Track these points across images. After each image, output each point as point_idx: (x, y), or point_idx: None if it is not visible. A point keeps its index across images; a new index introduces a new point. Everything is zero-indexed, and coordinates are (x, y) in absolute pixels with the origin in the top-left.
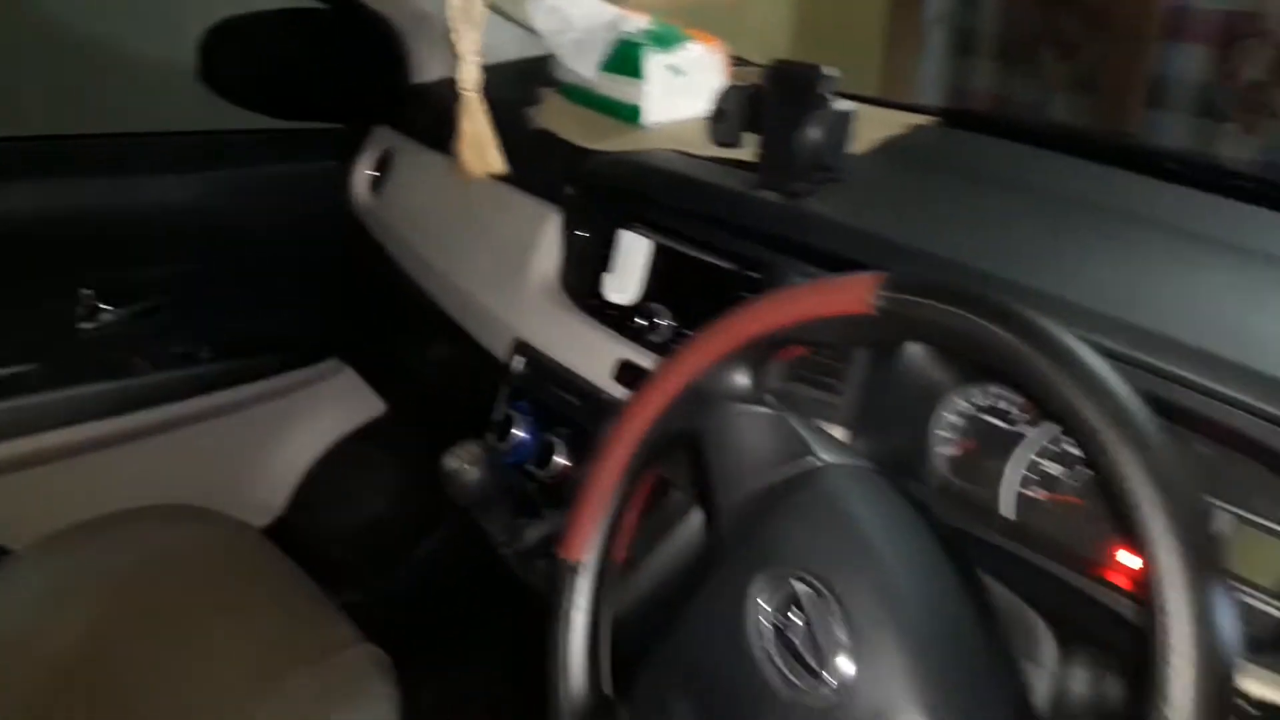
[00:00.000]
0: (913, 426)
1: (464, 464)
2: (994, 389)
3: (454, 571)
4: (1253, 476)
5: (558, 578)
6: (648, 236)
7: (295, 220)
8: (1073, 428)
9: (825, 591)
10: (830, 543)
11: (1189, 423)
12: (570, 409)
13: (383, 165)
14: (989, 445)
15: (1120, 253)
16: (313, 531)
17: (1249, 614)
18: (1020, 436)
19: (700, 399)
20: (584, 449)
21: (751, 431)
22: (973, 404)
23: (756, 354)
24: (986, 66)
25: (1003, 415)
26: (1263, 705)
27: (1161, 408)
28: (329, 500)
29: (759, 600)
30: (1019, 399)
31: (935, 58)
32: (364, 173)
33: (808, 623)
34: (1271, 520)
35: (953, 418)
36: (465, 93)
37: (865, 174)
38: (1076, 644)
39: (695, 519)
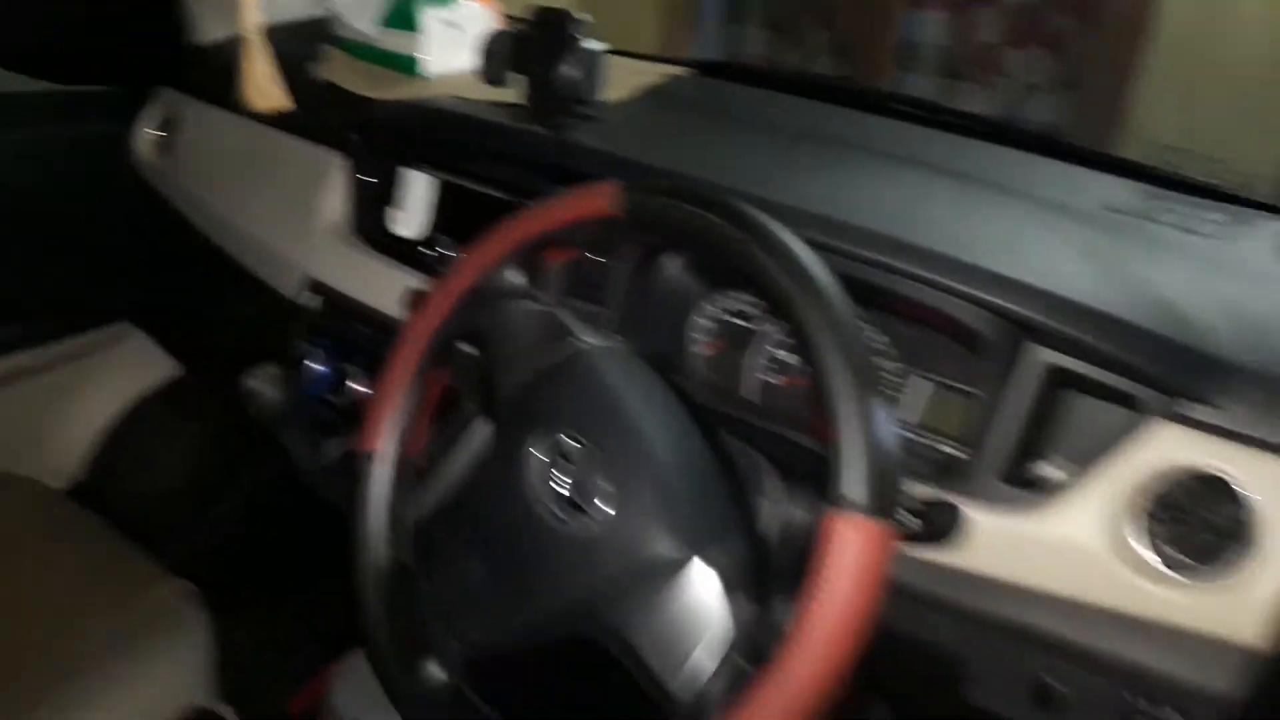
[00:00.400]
0: (670, 331)
1: (263, 384)
2: (736, 294)
3: (267, 515)
4: (941, 346)
5: (357, 470)
6: (430, 174)
7: (78, 184)
8: (771, 295)
9: (589, 446)
10: (593, 407)
11: (886, 301)
12: (365, 340)
13: (167, 126)
14: (734, 342)
15: (838, 172)
16: (116, 491)
17: (937, 454)
18: (758, 332)
19: (480, 299)
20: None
21: (525, 323)
22: (720, 309)
23: (525, 257)
24: (757, 34)
25: (744, 316)
26: (928, 504)
27: (862, 288)
28: (130, 461)
29: (534, 454)
30: (758, 301)
31: (710, 26)
32: (147, 134)
33: (575, 472)
34: (953, 380)
35: (704, 322)
36: (247, 35)
37: (625, 113)
38: (796, 482)
39: (485, 428)
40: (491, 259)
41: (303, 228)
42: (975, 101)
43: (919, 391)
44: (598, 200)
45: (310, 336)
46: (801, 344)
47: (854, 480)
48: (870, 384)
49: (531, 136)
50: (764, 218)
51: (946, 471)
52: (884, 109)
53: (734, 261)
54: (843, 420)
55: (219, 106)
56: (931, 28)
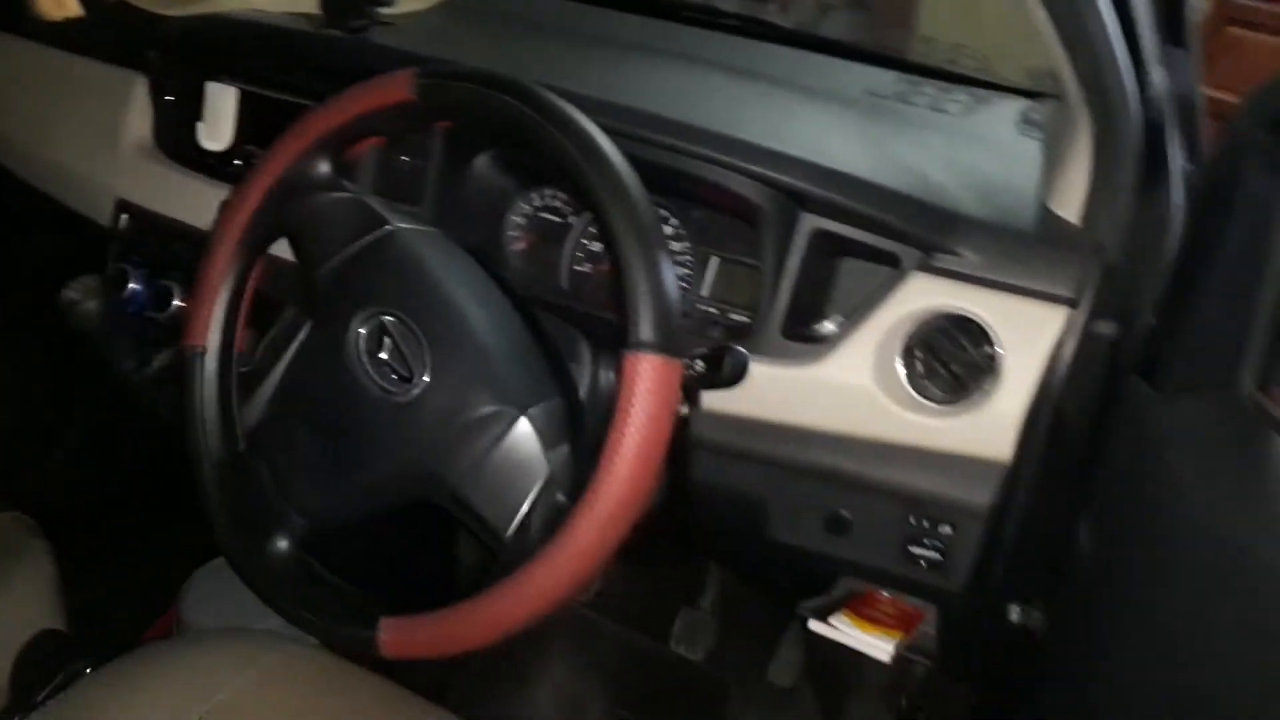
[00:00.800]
0: (486, 228)
1: (81, 295)
2: (548, 191)
3: (106, 440)
4: (726, 227)
5: (184, 366)
6: (233, 86)
7: None
8: (559, 165)
9: (408, 320)
10: (408, 283)
11: (674, 182)
12: (183, 255)
13: None
14: (547, 237)
15: (629, 69)
16: None
17: (728, 321)
18: (569, 226)
19: (289, 191)
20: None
21: (334, 212)
22: (532, 206)
23: (330, 147)
24: None
25: (556, 212)
26: (715, 350)
27: (652, 170)
28: None
29: (355, 331)
30: (568, 197)
31: None
32: None
33: (395, 344)
34: (738, 255)
35: (518, 219)
36: None
37: (421, 21)
38: (605, 351)
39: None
40: (296, 151)
41: (109, 151)
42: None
43: (709, 268)
44: (394, 87)
45: (127, 257)
46: (592, 208)
47: (645, 325)
48: (655, 241)
49: (329, 41)
50: (553, 96)
51: (736, 335)
52: (673, 15)
53: (525, 137)
54: (632, 274)
55: (8, 33)
56: None
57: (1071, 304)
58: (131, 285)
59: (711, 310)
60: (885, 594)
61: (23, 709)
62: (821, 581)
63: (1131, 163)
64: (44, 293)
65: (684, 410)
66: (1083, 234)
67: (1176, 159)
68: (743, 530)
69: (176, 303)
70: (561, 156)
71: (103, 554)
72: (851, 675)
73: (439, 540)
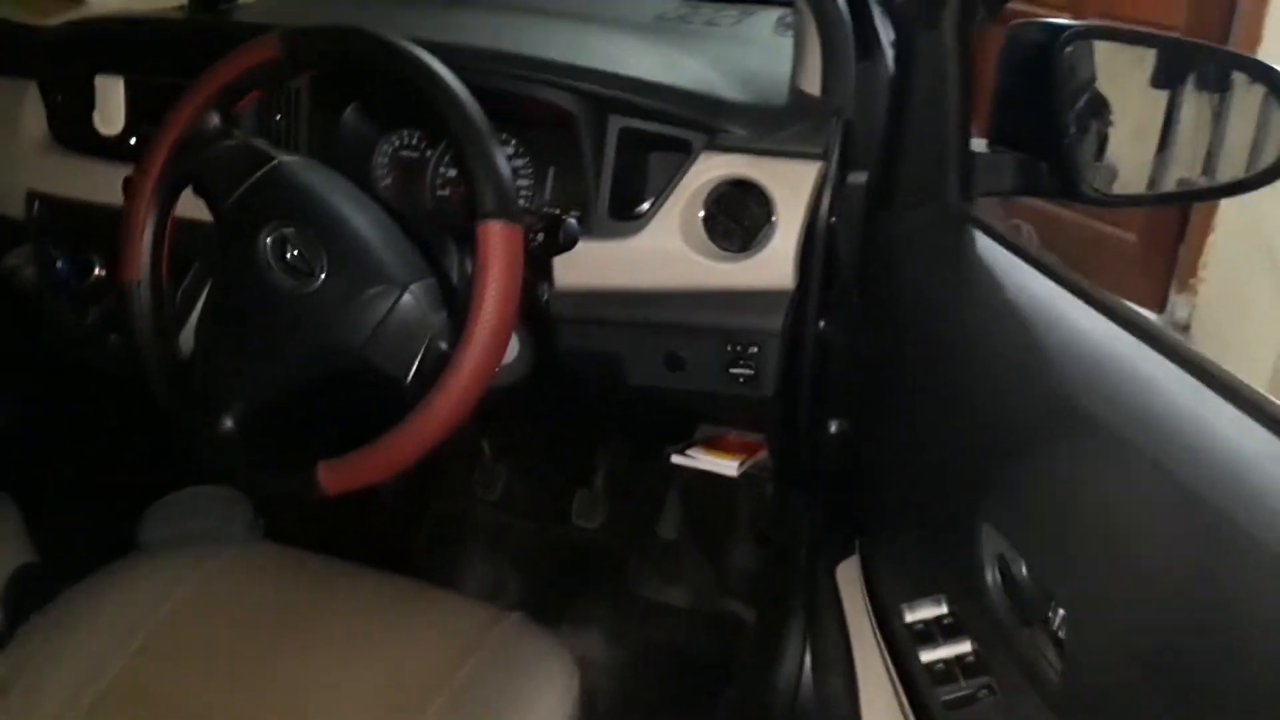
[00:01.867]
0: (356, 169)
1: (21, 261)
2: (405, 132)
3: (53, 406)
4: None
5: (124, 297)
6: (121, 75)
7: None
8: (412, 94)
9: (304, 228)
10: (299, 199)
11: (506, 103)
12: (97, 231)
13: None
14: (409, 171)
15: (457, 18)
16: None
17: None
18: (427, 160)
19: (188, 145)
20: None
21: (230, 156)
22: (393, 146)
23: (218, 104)
24: None
25: (413, 148)
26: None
27: (488, 96)
28: None
29: (265, 243)
30: (422, 135)
31: None
32: None
33: (296, 250)
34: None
35: (382, 159)
36: None
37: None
38: (465, 244)
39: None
40: (190, 109)
41: (11, 150)
42: None
43: (548, 177)
44: (264, 46)
45: (47, 240)
46: (434, 116)
47: (488, 198)
48: (487, 134)
49: (199, 23)
50: (393, 36)
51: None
52: None
53: (373, 71)
54: (474, 160)
55: None
56: None
57: (822, 158)
58: (57, 263)
59: (555, 212)
60: (733, 433)
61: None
62: (682, 431)
63: (848, 41)
64: None
65: (544, 294)
66: (824, 103)
67: (885, 32)
68: (603, 383)
69: (97, 271)
70: (404, 82)
71: (63, 501)
72: (722, 516)
73: (354, 407)
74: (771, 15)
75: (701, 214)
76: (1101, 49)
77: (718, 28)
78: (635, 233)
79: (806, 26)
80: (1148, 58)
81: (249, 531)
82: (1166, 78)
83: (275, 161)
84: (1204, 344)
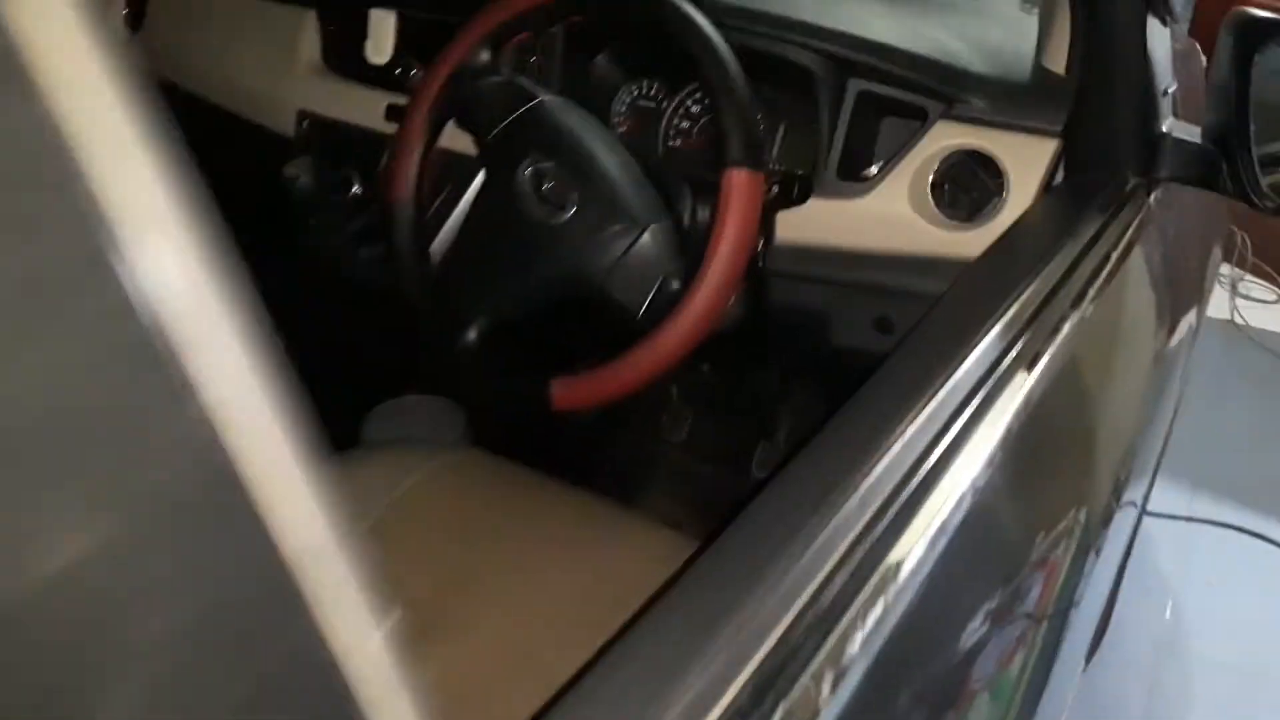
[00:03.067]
0: (599, 114)
1: (299, 171)
2: (645, 81)
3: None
4: (792, 100)
5: (390, 212)
6: (394, 9)
7: None
8: (674, 42)
9: (559, 164)
10: (556, 137)
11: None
12: (358, 151)
13: (134, 3)
14: (644, 119)
15: None
16: None
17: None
18: (662, 111)
19: (461, 77)
20: (373, 179)
21: (497, 91)
22: (632, 95)
23: (490, 42)
24: None
25: (651, 98)
26: (786, 176)
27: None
28: None
29: (519, 174)
30: (660, 86)
31: None
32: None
33: (552, 183)
34: (801, 120)
35: (620, 107)
36: None
37: None
38: (702, 194)
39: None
40: (465, 46)
41: (287, 72)
42: None
43: (778, 134)
44: None
45: (312, 154)
46: (694, 65)
47: (737, 146)
48: (742, 85)
49: None
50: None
51: (809, 181)
52: None
53: (641, 19)
54: (728, 108)
55: None
56: None
57: (1060, 135)
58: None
59: (781, 168)
60: None
61: None
62: None
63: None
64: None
65: (761, 246)
66: (1067, 81)
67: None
68: (810, 339)
69: (355, 190)
70: (667, 32)
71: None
72: None
73: (589, 334)
74: None
75: (931, 181)
76: None
77: (963, 0)
78: (863, 194)
79: (1056, 3)
80: None
81: (460, 438)
82: None
83: (539, 100)
84: None
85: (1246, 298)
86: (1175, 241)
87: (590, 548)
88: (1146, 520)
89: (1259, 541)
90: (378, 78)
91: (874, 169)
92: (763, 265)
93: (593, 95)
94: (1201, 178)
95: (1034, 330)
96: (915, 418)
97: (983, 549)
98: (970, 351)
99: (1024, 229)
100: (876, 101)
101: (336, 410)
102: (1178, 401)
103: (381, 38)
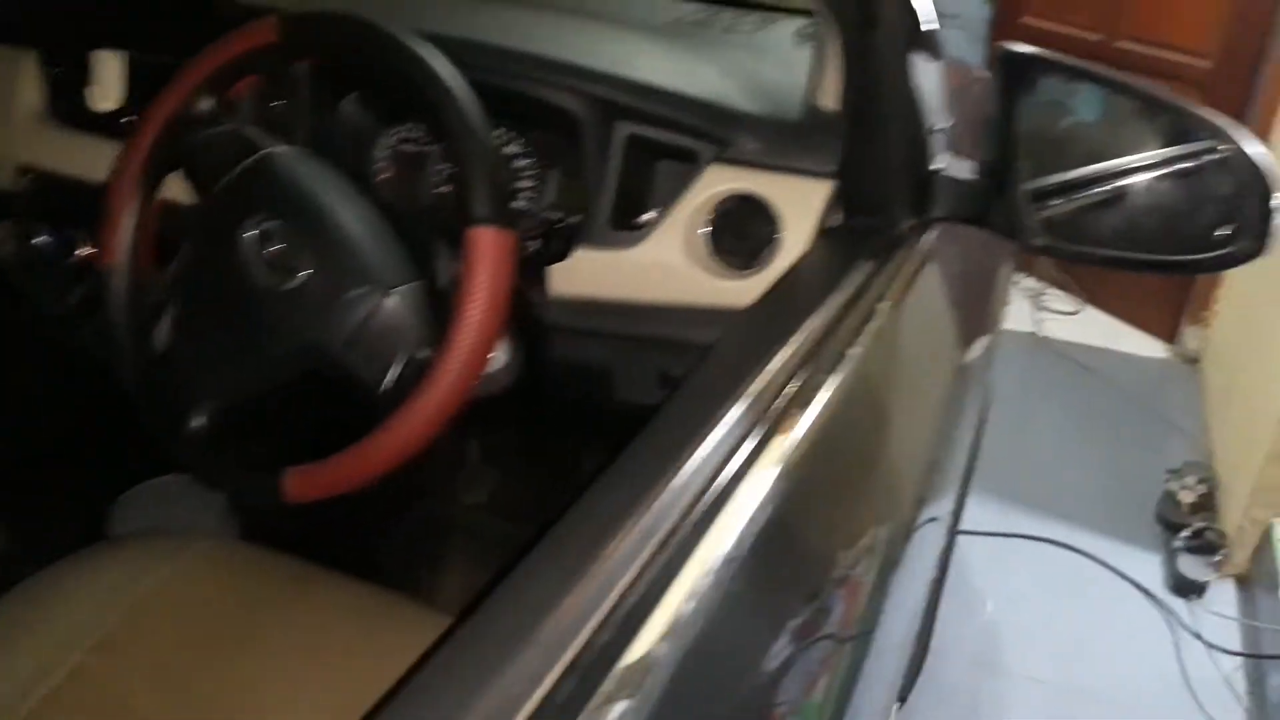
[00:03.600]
0: (354, 162)
1: (3, 236)
2: (407, 125)
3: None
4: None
5: (103, 281)
6: (120, 50)
7: None
8: (407, 86)
9: (289, 223)
10: (286, 192)
11: (512, 103)
12: (85, 208)
13: None
14: (408, 166)
15: (477, 13)
16: None
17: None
18: (427, 155)
19: (179, 127)
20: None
21: (220, 142)
22: (393, 140)
23: (211, 88)
24: None
25: (414, 142)
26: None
27: (495, 94)
28: None
29: (248, 236)
30: (424, 130)
31: None
32: None
33: (279, 244)
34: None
35: (382, 153)
36: None
37: None
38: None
39: None
40: (183, 92)
41: (6, 121)
42: None
43: (551, 180)
44: (261, 30)
45: (32, 214)
46: (428, 111)
47: (480, 202)
48: (487, 133)
49: (200, 2)
50: (392, 26)
51: (575, 232)
52: None
53: (370, 62)
54: (467, 162)
55: None
56: None
57: (834, 176)
58: (39, 239)
59: (557, 215)
60: None
61: None
62: None
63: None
64: None
65: (537, 302)
66: (839, 119)
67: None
68: (593, 397)
69: (84, 250)
70: (401, 76)
71: (35, 486)
72: None
73: (329, 412)
74: (792, 25)
75: (706, 229)
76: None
77: (736, 35)
78: (636, 244)
79: (828, 38)
80: (1126, 105)
81: (222, 525)
82: (1136, 131)
83: (265, 151)
84: (1212, 376)
85: (1049, 310)
86: (961, 272)
87: (349, 641)
88: (962, 539)
89: (1068, 553)
90: (107, 127)
91: (648, 216)
92: (540, 321)
93: (348, 141)
94: (974, 215)
95: (807, 375)
96: (687, 461)
97: (772, 574)
98: (739, 398)
99: (795, 276)
100: (647, 145)
101: (81, 500)
102: (980, 419)
103: (107, 82)
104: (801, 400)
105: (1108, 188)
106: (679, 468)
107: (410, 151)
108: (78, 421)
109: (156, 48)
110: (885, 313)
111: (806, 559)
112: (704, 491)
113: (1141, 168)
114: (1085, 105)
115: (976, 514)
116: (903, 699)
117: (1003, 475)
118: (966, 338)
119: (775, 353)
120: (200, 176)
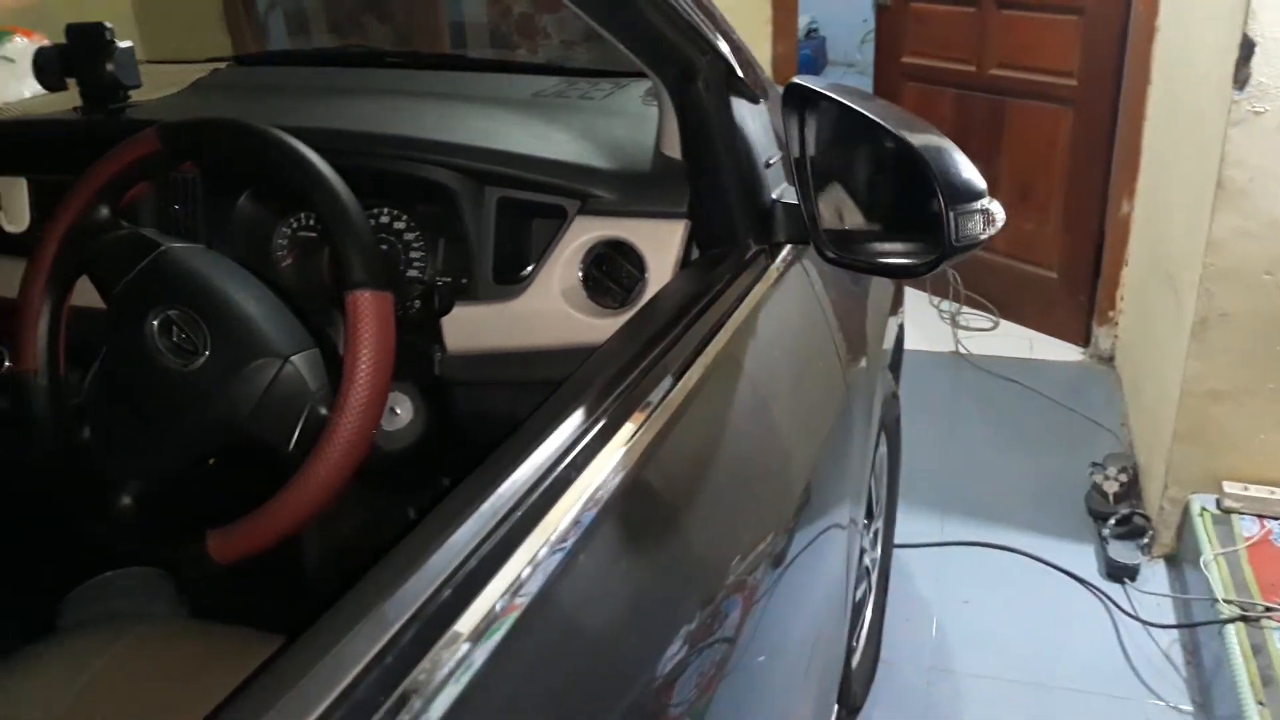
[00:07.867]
0: (255, 253)
1: None
2: (302, 215)
3: None
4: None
5: (20, 385)
6: (21, 175)
7: None
8: (284, 177)
9: (187, 310)
10: (184, 284)
11: (390, 182)
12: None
13: None
14: (307, 251)
15: (343, 106)
16: None
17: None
18: (322, 239)
19: (79, 235)
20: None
21: (119, 246)
22: (291, 229)
23: (105, 196)
24: (323, 39)
25: (311, 229)
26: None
27: (371, 176)
28: None
29: (151, 325)
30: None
31: (278, 40)
32: None
33: (181, 330)
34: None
35: (281, 241)
36: None
37: (171, 99)
38: None
39: None
40: (79, 203)
41: None
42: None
43: (439, 248)
44: (143, 141)
45: None
46: (301, 197)
47: (355, 268)
48: (354, 210)
49: (90, 122)
50: (262, 125)
51: (461, 292)
52: (382, 64)
53: (245, 158)
54: (339, 233)
55: None
56: (474, 6)
57: (686, 216)
58: None
59: (446, 280)
60: None
61: None
62: None
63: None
64: None
65: (436, 358)
66: (684, 165)
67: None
68: (498, 443)
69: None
70: (272, 166)
71: None
72: None
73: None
74: (641, 87)
75: (579, 274)
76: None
77: (591, 100)
78: (518, 295)
79: (663, 95)
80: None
81: (173, 610)
82: (875, 154)
83: (161, 248)
84: (1125, 371)
85: (966, 328)
86: (836, 289)
87: None
88: (902, 553)
89: (1006, 554)
90: (18, 247)
91: (528, 269)
92: (440, 376)
93: (247, 235)
94: (800, 236)
95: (650, 379)
96: (532, 453)
97: (614, 548)
98: (583, 401)
99: (654, 304)
100: (518, 206)
101: (28, 601)
102: (886, 430)
103: (14, 206)
104: (640, 400)
105: (861, 203)
106: (525, 459)
107: (307, 238)
108: (20, 527)
109: (49, 168)
110: (736, 325)
111: (647, 539)
112: (543, 479)
113: (877, 183)
114: (847, 130)
115: (916, 527)
116: (856, 709)
117: (937, 487)
118: (843, 349)
119: (624, 365)
120: (104, 279)
